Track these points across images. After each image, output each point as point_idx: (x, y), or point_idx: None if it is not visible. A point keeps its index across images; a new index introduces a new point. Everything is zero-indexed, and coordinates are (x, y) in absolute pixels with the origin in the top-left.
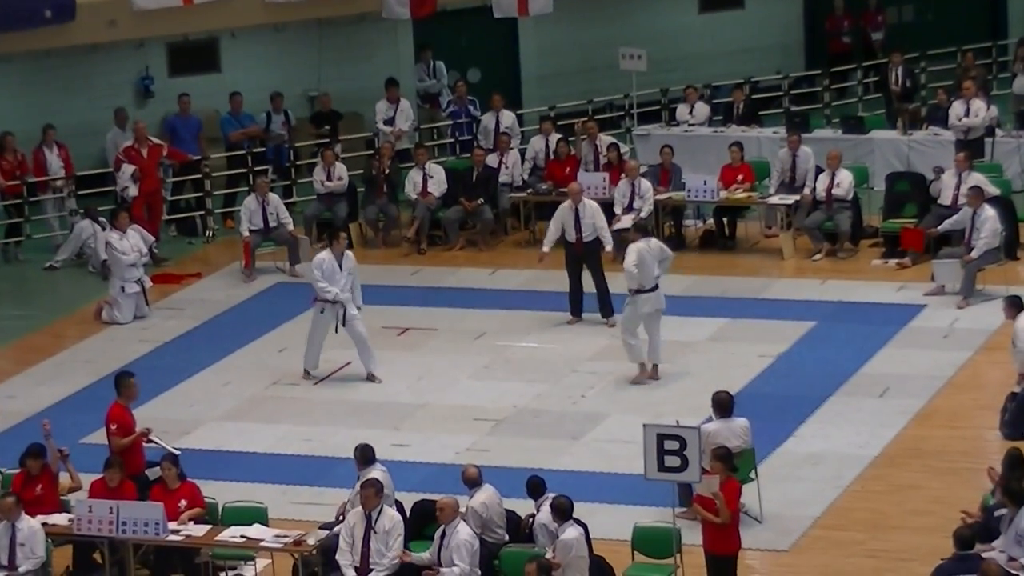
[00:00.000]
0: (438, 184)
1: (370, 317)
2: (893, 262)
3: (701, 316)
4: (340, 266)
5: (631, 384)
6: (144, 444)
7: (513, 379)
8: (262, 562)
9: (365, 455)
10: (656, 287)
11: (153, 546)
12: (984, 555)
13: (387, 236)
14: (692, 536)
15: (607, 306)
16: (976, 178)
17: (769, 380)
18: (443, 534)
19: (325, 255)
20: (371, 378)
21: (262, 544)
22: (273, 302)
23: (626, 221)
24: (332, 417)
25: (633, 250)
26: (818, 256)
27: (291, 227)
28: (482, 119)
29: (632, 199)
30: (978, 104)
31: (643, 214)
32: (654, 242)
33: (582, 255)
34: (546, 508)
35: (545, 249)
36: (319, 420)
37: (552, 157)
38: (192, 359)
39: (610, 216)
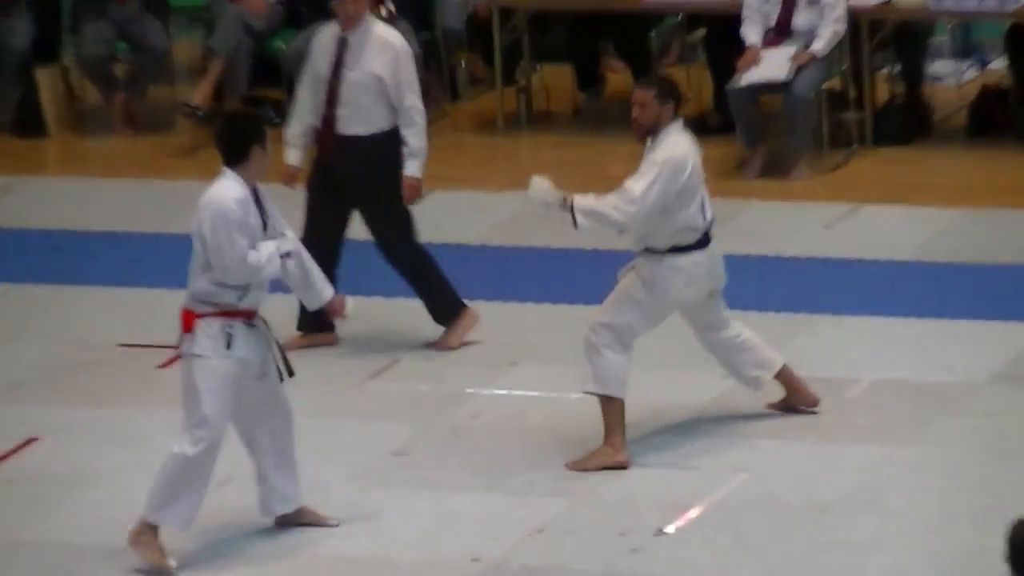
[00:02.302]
0: None
1: None
2: None
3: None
4: None
5: None
6: None
7: None
8: None
9: None
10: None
11: None
12: None
13: None
14: None
15: (439, 299)
16: None
17: None
18: None
19: None
20: None
21: None
22: None
23: (774, 63)
24: None
25: (672, 150)
26: None
27: None
28: None
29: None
30: None
31: (819, 47)
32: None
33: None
34: None
35: (293, 162)
36: None
37: None
38: None
39: (726, 49)
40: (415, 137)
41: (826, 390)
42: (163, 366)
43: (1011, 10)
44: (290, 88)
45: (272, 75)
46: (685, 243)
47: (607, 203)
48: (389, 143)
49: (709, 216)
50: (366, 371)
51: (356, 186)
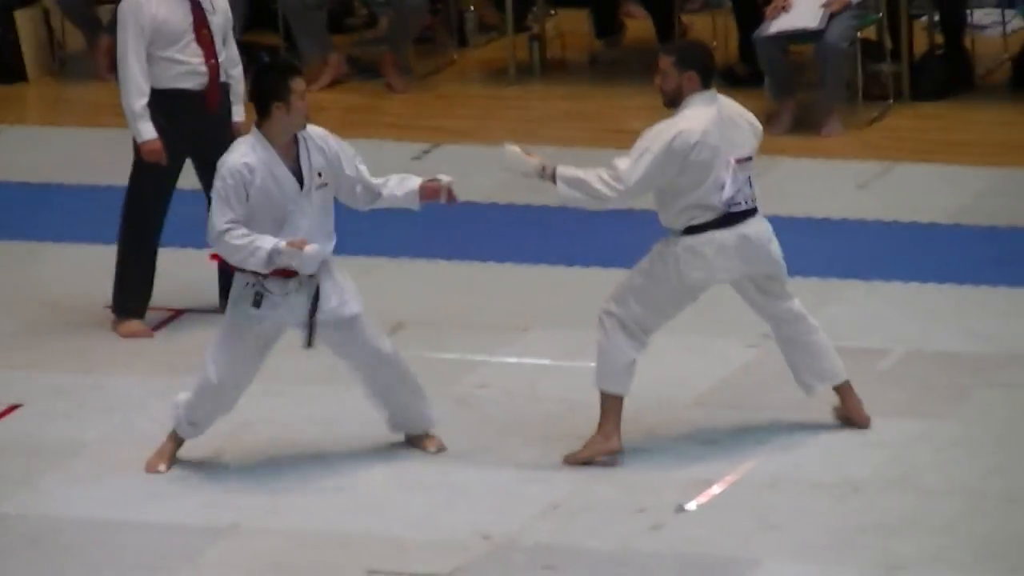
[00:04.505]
0: None
1: None
2: None
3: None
4: None
5: None
6: None
7: None
8: None
9: None
10: (751, 209)
11: None
12: None
13: None
14: None
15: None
16: None
17: None
18: None
19: None
20: None
21: None
22: None
23: (805, 9)
24: None
25: (677, 124)
26: None
27: None
28: None
29: None
30: None
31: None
32: (728, 105)
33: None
34: None
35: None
36: None
37: None
38: None
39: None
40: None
41: (858, 361)
42: (154, 329)
43: None
44: (287, 33)
45: (268, 20)
46: (699, 222)
47: (592, 174)
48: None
49: (729, 195)
50: None
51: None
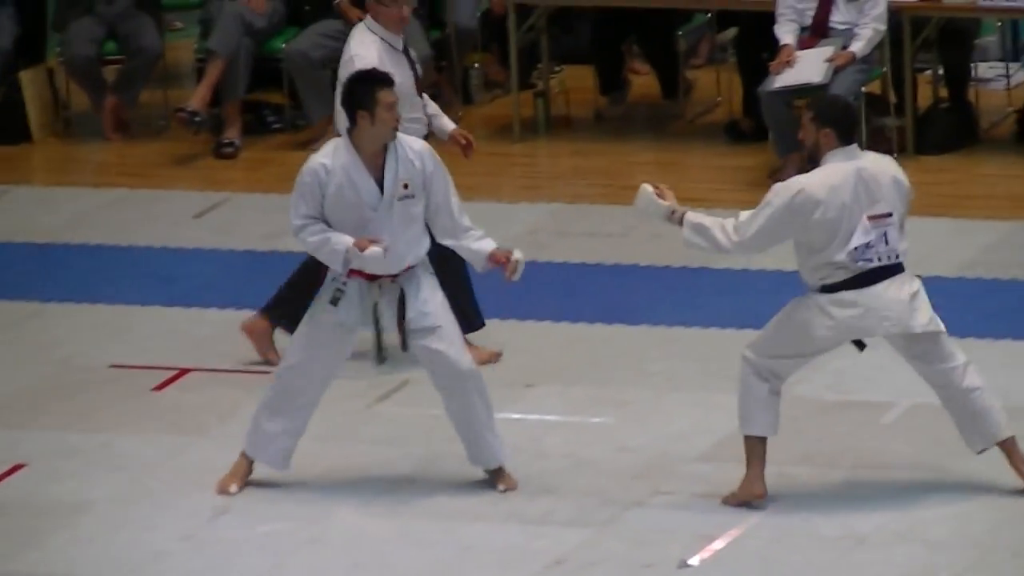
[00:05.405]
0: None
1: None
2: None
3: None
4: None
5: None
6: None
7: None
8: None
9: None
10: (891, 266)
11: None
12: None
13: None
14: None
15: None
16: None
17: None
18: None
19: None
20: None
21: None
22: None
23: (810, 64)
24: None
25: (802, 181)
26: None
27: None
28: None
29: None
30: None
31: (858, 47)
32: (872, 161)
33: None
34: None
35: None
36: None
37: None
38: None
39: (758, 50)
40: None
41: (862, 414)
42: (158, 388)
43: None
44: (291, 91)
45: (273, 79)
46: (832, 281)
47: (717, 222)
48: None
49: (856, 251)
50: (374, 393)
51: None
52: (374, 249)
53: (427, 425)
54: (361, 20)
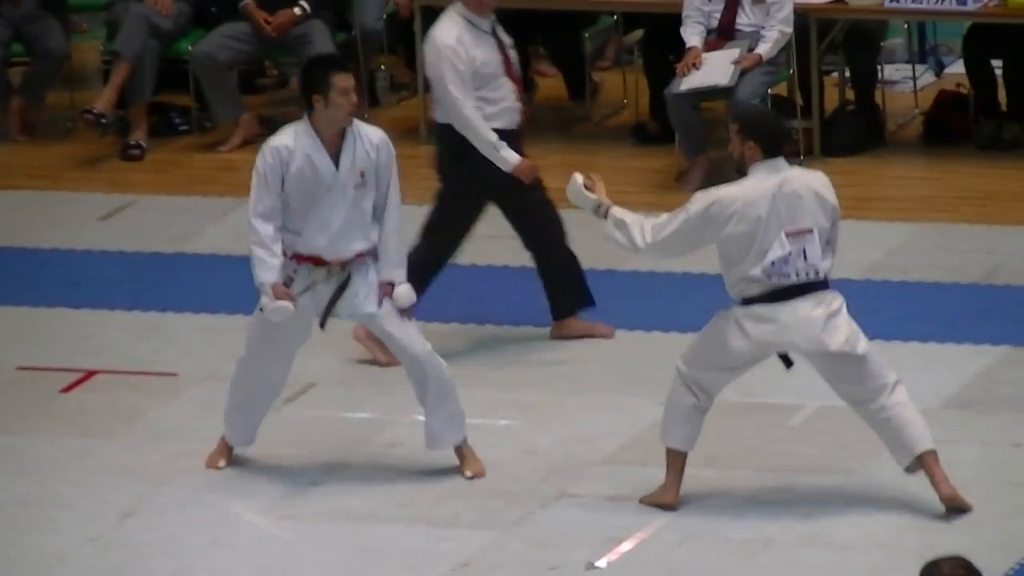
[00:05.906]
0: None
1: None
2: None
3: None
4: None
5: None
6: None
7: None
8: None
9: None
10: (810, 283)
11: None
12: None
13: None
14: None
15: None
16: None
17: None
18: None
19: None
20: None
21: None
22: None
23: (716, 66)
24: None
25: (721, 192)
26: None
27: None
28: None
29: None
30: None
31: (765, 49)
32: (797, 176)
33: None
34: None
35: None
36: None
37: None
38: None
39: (664, 52)
40: None
41: (769, 417)
42: (66, 390)
43: (970, 10)
44: (198, 93)
45: (180, 80)
46: (749, 294)
47: (638, 220)
48: None
49: (782, 269)
50: (280, 396)
51: None
52: (282, 305)
53: (332, 428)
54: (268, 23)
